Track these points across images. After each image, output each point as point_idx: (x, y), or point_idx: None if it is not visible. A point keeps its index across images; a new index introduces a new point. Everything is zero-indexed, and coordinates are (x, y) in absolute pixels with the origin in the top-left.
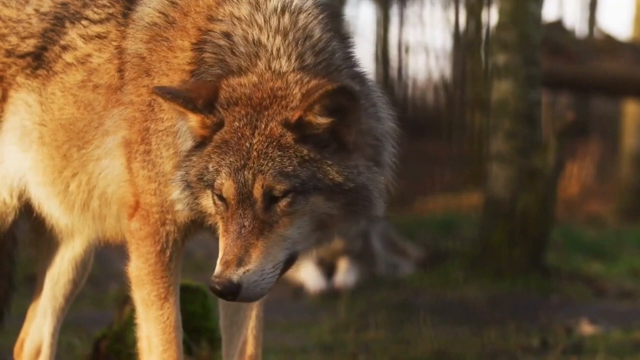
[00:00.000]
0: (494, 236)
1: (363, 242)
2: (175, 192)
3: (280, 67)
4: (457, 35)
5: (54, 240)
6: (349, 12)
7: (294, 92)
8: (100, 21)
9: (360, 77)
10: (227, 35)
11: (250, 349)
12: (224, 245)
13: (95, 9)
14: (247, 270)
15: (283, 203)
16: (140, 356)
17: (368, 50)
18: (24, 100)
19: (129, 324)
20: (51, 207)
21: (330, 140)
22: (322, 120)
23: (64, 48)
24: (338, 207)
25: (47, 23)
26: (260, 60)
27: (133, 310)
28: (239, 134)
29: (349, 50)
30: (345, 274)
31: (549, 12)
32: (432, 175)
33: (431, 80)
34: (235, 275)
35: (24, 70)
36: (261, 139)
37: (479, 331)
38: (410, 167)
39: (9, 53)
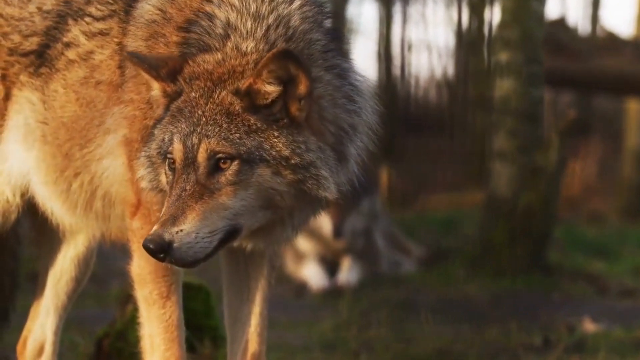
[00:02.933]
0: (495, 234)
1: (366, 240)
2: (140, 170)
3: (247, 47)
4: (459, 34)
5: (56, 238)
6: (352, 10)
7: (251, 66)
8: (103, 18)
9: (339, 70)
10: (210, 17)
11: (254, 346)
12: (164, 208)
13: (98, 6)
14: (181, 230)
15: (229, 172)
16: (143, 355)
17: (371, 48)
18: (27, 98)
19: (131, 322)
20: (54, 207)
21: (282, 115)
22: (270, 88)
23: (67, 45)
24: (286, 183)
25: (50, 21)
26: (230, 41)
27: (135, 309)
28: (194, 103)
29: (336, 45)
30: (347, 272)
31: (551, 10)
32: (434, 173)
33: (434, 79)
34: (167, 233)
35: (27, 68)
36: (212, 107)
37: (481, 329)
38: (412, 165)
39: (11, 51)
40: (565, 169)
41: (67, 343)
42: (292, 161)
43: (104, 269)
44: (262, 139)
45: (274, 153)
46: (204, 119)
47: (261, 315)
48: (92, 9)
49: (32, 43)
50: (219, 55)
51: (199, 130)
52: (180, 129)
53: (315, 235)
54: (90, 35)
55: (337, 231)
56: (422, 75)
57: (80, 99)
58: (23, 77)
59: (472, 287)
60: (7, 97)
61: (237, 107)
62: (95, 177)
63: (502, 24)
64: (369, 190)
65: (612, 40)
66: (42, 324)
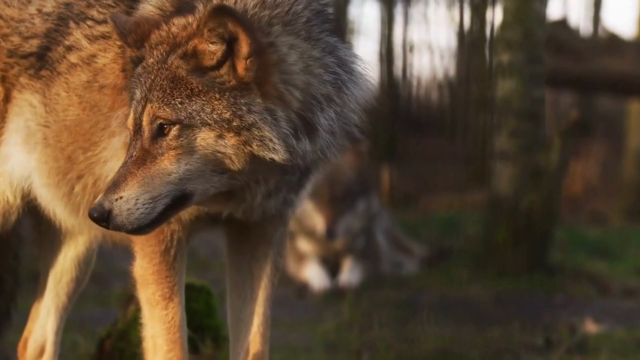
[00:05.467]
0: (497, 235)
1: (367, 240)
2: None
3: None
4: (461, 34)
5: (56, 239)
6: (354, 11)
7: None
8: (105, 21)
9: (323, 44)
10: None
11: (256, 346)
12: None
13: (100, 9)
14: (120, 198)
15: (169, 137)
16: (145, 356)
17: (372, 49)
18: (27, 101)
19: (133, 323)
20: (56, 209)
21: (230, 77)
22: (213, 48)
23: (69, 48)
24: (231, 145)
25: (50, 23)
26: (210, 3)
27: (137, 309)
28: (149, 70)
29: (329, 25)
30: (349, 272)
31: (553, 11)
32: (436, 173)
33: (435, 79)
34: (107, 201)
35: (27, 70)
36: (162, 72)
37: (483, 330)
38: (414, 166)
39: (11, 53)
40: (567, 170)
41: (69, 343)
42: (234, 123)
43: (106, 270)
44: (203, 102)
45: (215, 116)
46: (153, 85)
47: (264, 315)
48: (93, 12)
49: (32, 45)
50: (190, 18)
51: (148, 96)
52: (135, 96)
53: (313, 236)
54: (92, 39)
55: (329, 232)
56: (423, 75)
57: (84, 103)
58: (23, 79)
59: (474, 288)
60: (7, 99)
61: (182, 72)
62: (99, 180)
63: (504, 25)
64: (364, 190)
65: (613, 41)
66: (42, 325)
